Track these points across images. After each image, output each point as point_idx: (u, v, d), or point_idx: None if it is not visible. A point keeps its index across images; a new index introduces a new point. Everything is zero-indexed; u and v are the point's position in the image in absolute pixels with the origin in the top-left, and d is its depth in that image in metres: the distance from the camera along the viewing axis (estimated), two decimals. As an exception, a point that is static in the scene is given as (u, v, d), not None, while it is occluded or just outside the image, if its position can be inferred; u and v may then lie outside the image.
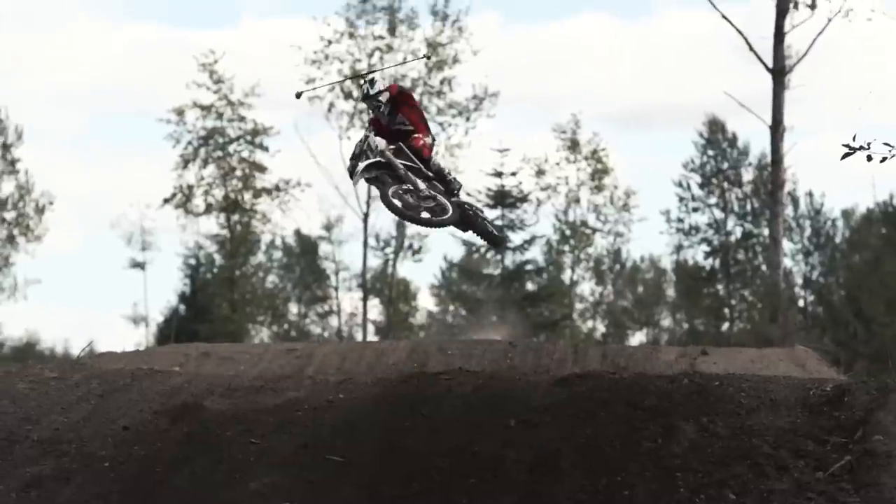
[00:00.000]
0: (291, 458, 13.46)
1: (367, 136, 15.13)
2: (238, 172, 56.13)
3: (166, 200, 55.74)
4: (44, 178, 79.61)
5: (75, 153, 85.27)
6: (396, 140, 15.26)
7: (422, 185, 15.05)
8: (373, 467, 13.17)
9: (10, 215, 57.73)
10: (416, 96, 16.26)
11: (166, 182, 67.35)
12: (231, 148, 56.11)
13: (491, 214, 54.92)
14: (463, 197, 15.73)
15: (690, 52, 79.01)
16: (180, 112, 55.54)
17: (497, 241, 17.09)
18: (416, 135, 15.36)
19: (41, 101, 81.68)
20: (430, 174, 15.34)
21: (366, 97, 15.41)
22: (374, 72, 15.76)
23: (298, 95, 15.72)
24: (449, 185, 15.47)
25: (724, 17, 47.10)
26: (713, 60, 76.56)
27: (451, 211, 15.19)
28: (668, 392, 14.03)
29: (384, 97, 15.25)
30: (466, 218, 15.77)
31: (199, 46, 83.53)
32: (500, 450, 13.13)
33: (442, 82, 54.39)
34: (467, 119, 54.44)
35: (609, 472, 12.66)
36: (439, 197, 15.17)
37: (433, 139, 15.66)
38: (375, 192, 15.81)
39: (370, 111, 15.60)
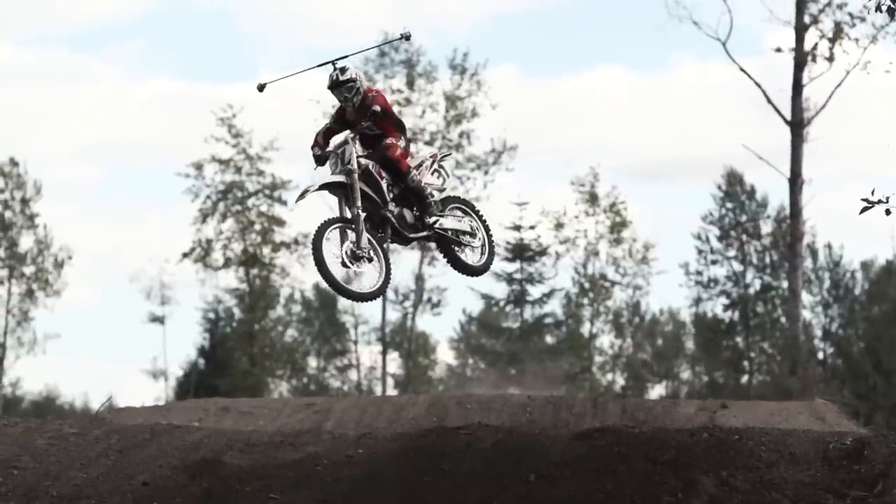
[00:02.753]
0: (311, 514, 13.44)
1: (346, 140, 14.04)
2: (257, 226, 56.19)
3: (185, 255, 55.84)
4: (63, 232, 79.59)
5: (94, 207, 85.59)
6: (365, 143, 14.24)
7: (364, 240, 13.69)
8: (392, 522, 13.16)
9: (29, 270, 57.96)
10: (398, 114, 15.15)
11: (185, 236, 67.45)
12: (250, 202, 56.20)
13: (510, 267, 55.51)
14: (448, 222, 14.61)
15: (708, 104, 79.14)
16: (199, 166, 55.68)
17: (474, 272, 15.16)
18: (389, 140, 14.27)
19: (60, 155, 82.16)
20: (407, 187, 14.25)
21: (335, 84, 14.24)
22: (344, 57, 14.82)
23: (261, 87, 14.39)
24: (426, 208, 14.40)
25: (741, 69, 47.26)
26: (731, 113, 76.57)
27: (377, 285, 13.83)
28: (687, 446, 14.01)
29: (377, 108, 14.00)
30: (443, 245, 14.77)
31: (217, 101, 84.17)
32: (520, 504, 13.11)
33: (461, 136, 54.56)
34: (486, 173, 54.57)
35: (629, 527, 12.64)
36: (377, 261, 13.85)
37: (407, 142, 14.50)
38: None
39: (339, 100, 14.36)
